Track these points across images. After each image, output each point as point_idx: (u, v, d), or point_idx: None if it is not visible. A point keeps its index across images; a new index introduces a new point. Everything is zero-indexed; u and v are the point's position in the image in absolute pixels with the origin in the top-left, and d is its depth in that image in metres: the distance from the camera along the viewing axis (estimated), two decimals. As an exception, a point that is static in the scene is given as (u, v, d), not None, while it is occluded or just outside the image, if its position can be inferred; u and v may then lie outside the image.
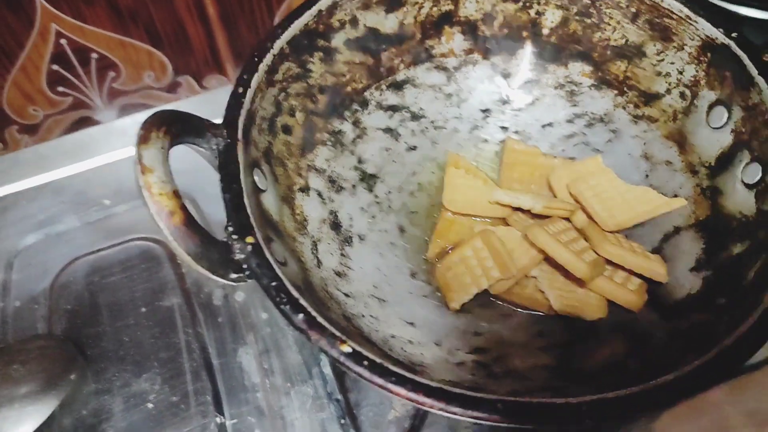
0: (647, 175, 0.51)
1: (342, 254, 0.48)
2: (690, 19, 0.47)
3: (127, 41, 0.70)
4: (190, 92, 0.79)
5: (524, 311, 0.47)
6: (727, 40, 0.45)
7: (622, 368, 0.41)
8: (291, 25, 0.46)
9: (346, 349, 0.34)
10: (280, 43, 0.46)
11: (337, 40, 0.50)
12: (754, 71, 0.43)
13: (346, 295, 0.45)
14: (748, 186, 0.43)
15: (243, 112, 0.42)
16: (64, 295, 0.55)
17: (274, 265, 0.36)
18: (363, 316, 0.44)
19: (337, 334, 0.34)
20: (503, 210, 0.49)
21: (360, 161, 0.52)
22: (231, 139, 0.41)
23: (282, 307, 0.35)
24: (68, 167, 0.64)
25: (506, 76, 0.55)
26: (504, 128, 0.55)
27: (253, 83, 0.43)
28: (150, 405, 0.49)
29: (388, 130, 0.54)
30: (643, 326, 0.44)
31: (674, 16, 0.47)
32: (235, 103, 0.42)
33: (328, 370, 0.50)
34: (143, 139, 0.36)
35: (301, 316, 0.35)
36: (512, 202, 0.48)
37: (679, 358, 0.37)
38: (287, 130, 0.48)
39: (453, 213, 0.50)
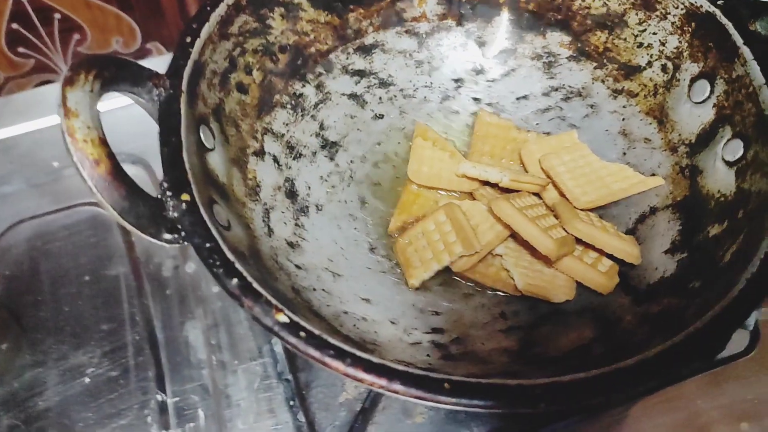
0: (624, 153, 0.48)
1: (296, 224, 0.45)
2: (674, -15, 0.44)
3: (93, 2, 0.66)
4: (160, 59, 0.75)
5: (488, 291, 0.44)
6: (712, 8, 0.42)
7: (586, 354, 0.38)
8: (248, -26, 0.43)
9: (282, 318, 0.31)
10: (235, -7, 0.42)
11: (301, -4, 0.47)
12: (739, 41, 0.41)
13: (298, 266, 0.42)
14: (728, 163, 0.41)
15: (189, 63, 0.39)
16: (4, 260, 0.51)
17: (211, 226, 0.33)
18: (314, 289, 0.41)
19: (273, 302, 0.31)
20: (470, 183, 0.46)
21: (322, 127, 0.49)
22: (173, 90, 0.37)
23: (214, 270, 0.32)
24: (18, 126, 0.61)
25: (481, 44, 0.52)
26: (477, 99, 0.52)
27: (203, 33, 0.40)
28: (87, 379, 0.46)
29: (354, 96, 0.50)
30: (613, 310, 0.41)
31: (659, -17, 0.45)
32: (181, 52, 0.39)
33: (279, 348, 0.47)
34: (69, 81, 0.32)
35: (234, 281, 0.32)
36: (479, 175, 0.45)
37: (647, 342, 0.34)
38: (242, 88, 0.44)
39: (418, 186, 0.47)
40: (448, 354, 0.39)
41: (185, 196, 0.34)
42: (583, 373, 0.30)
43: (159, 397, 0.46)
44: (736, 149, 0.40)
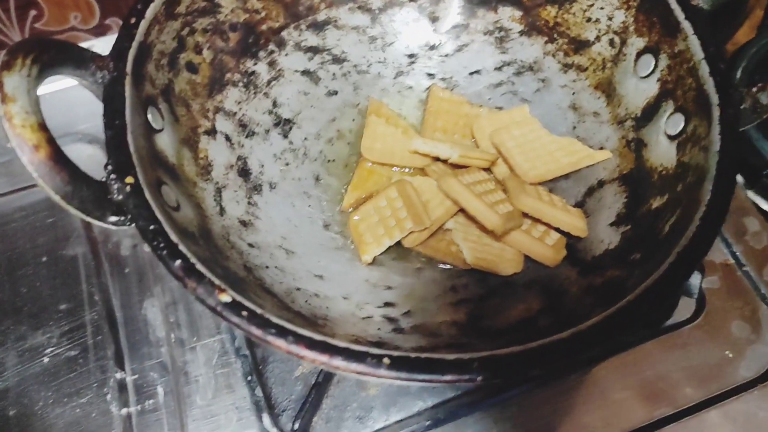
0: (574, 127, 0.48)
1: (249, 202, 0.45)
2: (620, -40, 0.44)
3: (50, -23, 0.65)
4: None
5: (439, 265, 0.45)
6: (656, -17, 0.43)
7: (532, 325, 0.39)
8: (194, -48, 0.43)
9: (225, 298, 0.31)
10: (181, -29, 0.42)
11: (250, -27, 0.46)
12: (680, 15, 0.41)
13: (251, 245, 0.43)
14: (670, 137, 0.42)
15: (134, 45, 0.39)
16: (-41, 243, 0.51)
17: (155, 208, 0.34)
18: (267, 267, 0.42)
19: (216, 282, 0.32)
20: (422, 159, 0.47)
21: (275, 105, 0.49)
22: (117, 73, 0.37)
23: (158, 252, 0.32)
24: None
25: (434, 19, 0.52)
26: (430, 75, 0.52)
27: (149, 13, 0.40)
28: (46, 359, 0.47)
29: (307, 73, 0.50)
30: (559, 282, 0.42)
31: (605, -42, 0.45)
32: (125, 33, 0.39)
33: (236, 324, 0.47)
34: (5, 65, 0.32)
35: (178, 262, 0.32)
36: (430, 151, 0.45)
37: (589, 313, 0.35)
38: (192, 68, 0.44)
39: (371, 162, 0.48)
40: (399, 327, 0.40)
41: (129, 179, 0.34)
42: (520, 346, 0.31)
43: (118, 375, 0.46)
44: (677, 123, 0.41)
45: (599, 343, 0.31)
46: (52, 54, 0.34)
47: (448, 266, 0.45)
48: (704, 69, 0.39)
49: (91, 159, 0.54)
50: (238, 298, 0.32)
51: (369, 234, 0.44)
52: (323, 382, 0.45)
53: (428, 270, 0.45)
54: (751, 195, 0.60)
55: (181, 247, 0.33)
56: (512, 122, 0.47)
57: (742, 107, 0.38)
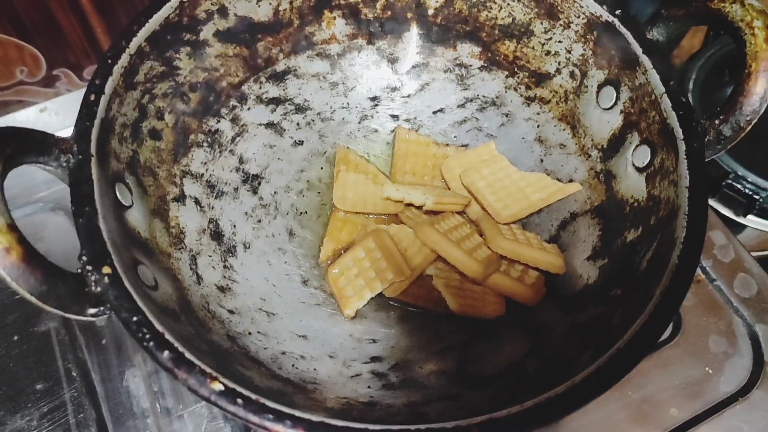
0: (542, 160, 0.49)
1: (225, 266, 0.44)
2: (574, -5, 0.45)
3: (-9, 35, 0.63)
4: (71, 85, 0.73)
5: (422, 312, 0.45)
6: (611, 18, 0.43)
7: (521, 370, 0.40)
8: (149, 20, 0.42)
9: (218, 387, 0.31)
10: (137, 41, 0.41)
11: (206, 33, 0.46)
12: (638, 50, 0.42)
13: (231, 311, 0.42)
14: (638, 169, 0.42)
15: (96, 123, 0.38)
16: (-76, 328, 0.49)
17: (136, 297, 0.33)
18: (250, 333, 0.41)
19: (207, 370, 0.31)
20: (396, 206, 0.47)
21: (241, 161, 0.49)
22: (82, 155, 0.36)
23: (145, 344, 0.32)
24: None
25: (393, 60, 0.52)
26: (394, 116, 0.52)
27: (108, 89, 0.39)
28: (28, 443, 0.45)
29: (271, 125, 0.50)
30: (543, 321, 0.42)
31: (559, -7, 0.46)
32: (86, 113, 0.38)
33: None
34: (-32, 167, 0.31)
35: (166, 353, 0.31)
36: (403, 198, 0.45)
37: (577, 355, 0.36)
38: (155, 135, 0.44)
39: (344, 212, 0.47)
40: (389, 383, 0.40)
41: (106, 269, 0.33)
42: (517, 406, 0.31)
43: (105, 453, 0.45)
44: (644, 155, 0.42)
45: (595, 394, 0.32)
46: (14, 145, 0.33)
47: (431, 313, 0.45)
48: (666, 103, 0.40)
49: (57, 229, 0.52)
50: (231, 384, 0.31)
51: (349, 287, 0.44)
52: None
53: (411, 318, 0.45)
54: (713, 203, 0.62)
55: (168, 336, 0.32)
56: (480, 161, 0.48)
57: (706, 140, 0.39)
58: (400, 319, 0.45)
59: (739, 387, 0.47)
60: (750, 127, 0.38)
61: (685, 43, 0.81)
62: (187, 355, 0.32)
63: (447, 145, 0.51)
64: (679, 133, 0.39)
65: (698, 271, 0.52)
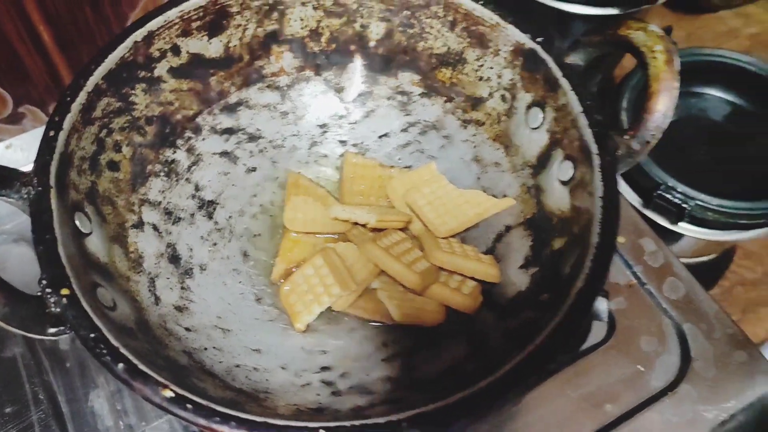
0: (479, 178, 0.53)
1: (182, 287, 0.47)
2: (500, 25, 0.49)
3: (-45, 73, 0.66)
4: (36, 122, 0.75)
5: (369, 323, 0.48)
6: (533, 45, 0.47)
7: (461, 372, 0.43)
8: (105, 59, 0.45)
9: (168, 394, 0.34)
10: (94, 80, 0.44)
11: (160, 70, 0.49)
12: (558, 73, 0.46)
13: (188, 329, 0.45)
14: (563, 183, 0.46)
15: (56, 157, 0.41)
16: None
17: (93, 316, 0.36)
18: (206, 348, 0.44)
19: (159, 379, 0.34)
20: (343, 225, 0.50)
21: (197, 188, 0.52)
22: (42, 187, 0.39)
23: (101, 358, 0.34)
24: None
25: (339, 90, 0.56)
26: (342, 142, 0.56)
27: (66, 125, 0.42)
28: (-3, 465, 0.47)
29: (225, 154, 0.53)
30: (480, 327, 0.46)
31: (487, 24, 0.49)
32: (45, 147, 0.41)
33: (183, 403, 0.49)
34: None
35: (121, 366, 0.34)
36: (349, 218, 0.49)
37: (509, 355, 0.39)
38: (113, 166, 0.47)
39: (296, 233, 0.50)
40: (336, 390, 0.43)
41: (65, 291, 0.36)
42: (443, 401, 0.34)
43: (72, 470, 0.47)
44: (567, 170, 0.45)
45: (515, 387, 0.35)
46: (-23, 181, 0.36)
47: (377, 324, 0.48)
48: (583, 121, 0.44)
49: (20, 259, 0.55)
50: (180, 391, 0.34)
51: (299, 303, 0.47)
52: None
53: (360, 330, 0.48)
54: (648, 213, 0.66)
55: (123, 350, 0.35)
56: (422, 180, 0.51)
57: (618, 154, 0.43)
58: (350, 331, 0.48)
59: (668, 382, 0.50)
60: (656, 141, 0.42)
61: (627, 62, 0.85)
62: (141, 366, 0.34)
63: (392, 167, 0.54)
64: (594, 148, 0.42)
65: (631, 276, 0.55)
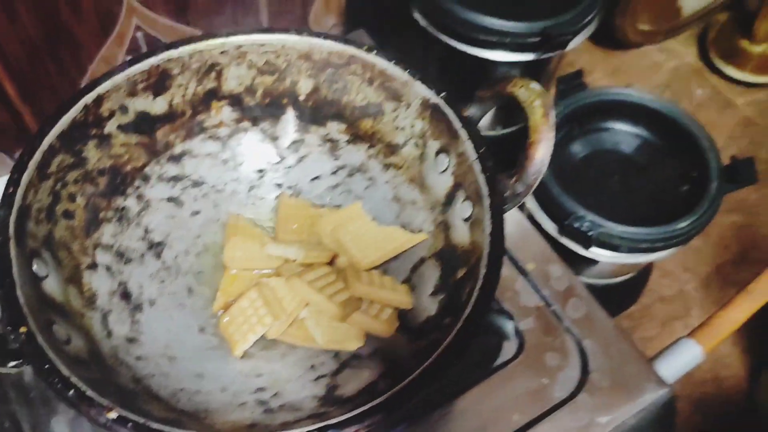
0: (398, 216, 0.59)
1: (133, 321, 0.53)
2: (410, 82, 0.56)
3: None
4: (4, 168, 0.80)
5: (299, 349, 0.54)
6: (437, 99, 0.54)
7: (374, 389, 0.49)
8: (58, 121, 0.51)
9: (113, 415, 0.39)
10: (48, 140, 0.50)
11: (110, 127, 0.55)
12: (457, 124, 0.53)
13: (137, 358, 0.50)
14: (465, 220, 0.52)
15: (14, 210, 0.47)
16: None
17: (48, 350, 0.41)
18: (153, 375, 0.50)
19: (105, 403, 0.40)
20: (277, 261, 0.56)
21: (146, 231, 0.57)
22: (2, 238, 0.45)
23: (54, 386, 0.40)
24: None
25: (275, 138, 0.62)
26: (279, 185, 0.62)
27: (24, 181, 0.48)
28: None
29: (172, 199, 0.59)
30: (394, 349, 0.52)
31: (398, 81, 0.56)
32: (5, 202, 0.47)
33: (136, 426, 0.55)
34: None
35: (72, 392, 0.40)
36: (282, 254, 0.55)
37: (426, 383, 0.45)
38: (68, 215, 0.52)
39: (235, 269, 0.57)
40: (269, 408, 0.49)
41: (23, 329, 0.42)
42: (348, 413, 0.41)
43: (34, 491, 0.53)
44: (467, 209, 0.52)
45: (411, 399, 0.41)
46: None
47: (310, 351, 0.54)
48: (477, 167, 0.50)
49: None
50: (124, 413, 0.40)
51: (237, 332, 0.53)
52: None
53: (291, 354, 0.54)
54: (563, 240, 0.73)
55: (73, 379, 0.40)
56: (348, 218, 0.58)
57: (505, 195, 0.50)
58: (282, 355, 0.54)
59: (569, 393, 0.57)
60: (537, 183, 0.49)
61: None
62: (88, 393, 0.40)
63: (323, 206, 0.61)
64: (485, 191, 0.49)
65: (539, 299, 0.62)
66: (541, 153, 0.49)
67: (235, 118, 0.61)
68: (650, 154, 0.79)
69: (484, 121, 0.70)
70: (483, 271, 0.46)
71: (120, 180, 0.57)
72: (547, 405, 0.56)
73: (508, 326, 0.56)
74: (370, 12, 0.89)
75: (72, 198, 0.53)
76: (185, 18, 0.77)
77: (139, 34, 0.76)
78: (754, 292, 0.65)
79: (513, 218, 0.67)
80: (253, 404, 0.49)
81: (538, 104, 0.49)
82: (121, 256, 0.56)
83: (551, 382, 0.58)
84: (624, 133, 0.81)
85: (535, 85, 0.50)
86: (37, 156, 0.49)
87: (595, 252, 0.72)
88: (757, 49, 0.80)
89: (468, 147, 0.52)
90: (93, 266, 0.53)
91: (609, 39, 0.98)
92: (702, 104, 0.98)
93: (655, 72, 1.06)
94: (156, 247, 0.57)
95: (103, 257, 0.54)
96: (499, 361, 0.59)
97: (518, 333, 0.60)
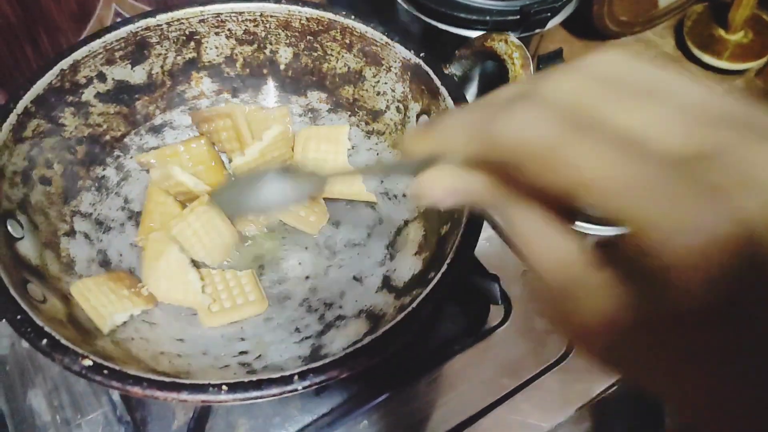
0: (382, 181, 0.59)
1: (112, 287, 0.52)
2: (389, 44, 0.55)
3: None
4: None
5: (284, 314, 0.53)
6: (417, 59, 0.54)
7: (359, 343, 0.48)
8: (33, 85, 0.51)
9: (87, 362, 0.38)
10: (23, 103, 0.50)
11: (87, 95, 0.54)
12: (438, 82, 0.52)
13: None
14: (447, 178, 0.52)
15: (-14, 172, 0.46)
16: None
17: (21, 302, 0.40)
18: (133, 339, 0.49)
19: (79, 351, 0.39)
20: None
21: (126, 201, 0.57)
22: (-25, 196, 0.44)
23: (27, 335, 0.39)
24: None
25: (256, 109, 0.62)
26: (260, 156, 0.62)
27: (-4, 142, 0.47)
28: (-60, 459, 0.51)
29: (152, 170, 0.59)
30: (381, 307, 0.51)
31: (378, 43, 0.56)
32: (-22, 162, 0.46)
33: (116, 395, 0.53)
34: None
35: (45, 341, 0.39)
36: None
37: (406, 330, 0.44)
38: (45, 181, 0.52)
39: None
40: (252, 370, 0.48)
41: (-6, 280, 0.41)
42: (330, 358, 0.40)
43: (11, 463, 0.51)
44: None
45: (393, 345, 0.41)
46: None
47: (294, 314, 0.53)
48: (458, 123, 0.50)
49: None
50: (99, 360, 0.39)
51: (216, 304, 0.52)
52: (195, 428, 0.51)
53: (276, 319, 0.53)
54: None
55: (47, 329, 0.39)
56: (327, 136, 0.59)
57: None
58: (266, 320, 0.53)
59: (557, 356, 0.56)
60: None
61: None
62: (63, 341, 0.39)
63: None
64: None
65: (524, 265, 0.62)
66: (522, 103, 0.48)
67: (216, 89, 0.61)
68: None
69: (469, 96, 0.69)
70: (464, 220, 0.45)
71: (99, 149, 0.56)
72: (536, 369, 0.55)
73: (495, 288, 0.56)
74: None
75: (49, 164, 0.52)
76: (164, 3, 0.76)
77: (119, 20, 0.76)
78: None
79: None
80: (237, 367, 0.48)
81: (517, 56, 0.49)
82: (101, 224, 0.55)
83: (540, 346, 0.57)
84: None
85: (512, 39, 0.50)
86: (12, 118, 0.49)
87: (580, 225, 0.71)
88: (732, 37, 0.81)
89: (450, 104, 0.51)
90: (71, 233, 0.52)
91: (588, 29, 0.98)
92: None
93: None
94: (136, 217, 0.57)
95: (81, 225, 0.53)
96: (488, 325, 0.58)
97: (505, 298, 0.59)
